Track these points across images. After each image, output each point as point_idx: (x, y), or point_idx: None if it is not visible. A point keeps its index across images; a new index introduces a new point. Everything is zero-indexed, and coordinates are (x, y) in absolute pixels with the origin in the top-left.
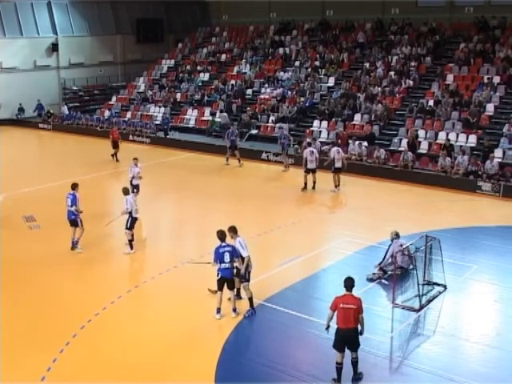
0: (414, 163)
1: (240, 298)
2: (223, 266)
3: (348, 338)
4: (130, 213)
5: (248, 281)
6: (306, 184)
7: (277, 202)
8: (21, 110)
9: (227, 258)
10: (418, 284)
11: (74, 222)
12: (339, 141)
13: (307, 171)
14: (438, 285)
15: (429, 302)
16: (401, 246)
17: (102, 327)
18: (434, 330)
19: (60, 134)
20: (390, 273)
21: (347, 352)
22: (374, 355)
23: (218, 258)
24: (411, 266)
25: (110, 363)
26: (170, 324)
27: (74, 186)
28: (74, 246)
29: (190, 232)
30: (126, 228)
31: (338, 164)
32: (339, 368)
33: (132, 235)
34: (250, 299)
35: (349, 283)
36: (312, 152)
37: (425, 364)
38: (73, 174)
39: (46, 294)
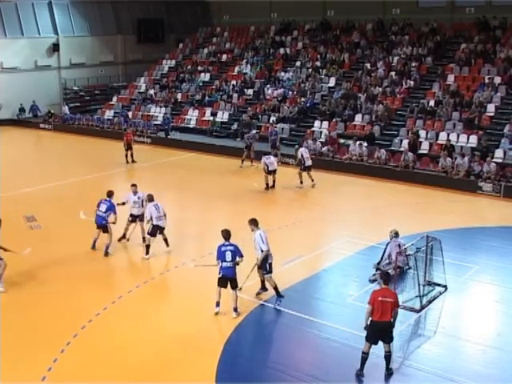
0: (415, 163)
1: (266, 289)
2: (225, 264)
3: (383, 330)
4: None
5: (270, 272)
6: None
7: (277, 202)
8: (22, 110)
9: (229, 256)
10: (419, 284)
11: (104, 227)
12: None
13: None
14: (439, 285)
15: (429, 302)
16: (399, 245)
17: (103, 327)
18: (435, 331)
19: (61, 134)
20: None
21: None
22: (374, 355)
23: (220, 256)
24: (407, 266)
25: (111, 363)
26: (170, 324)
27: (110, 194)
28: (103, 250)
29: (191, 232)
30: (148, 233)
31: (309, 162)
32: (364, 358)
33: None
34: (275, 288)
35: (386, 278)
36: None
37: (425, 364)
38: (74, 174)
39: (46, 293)
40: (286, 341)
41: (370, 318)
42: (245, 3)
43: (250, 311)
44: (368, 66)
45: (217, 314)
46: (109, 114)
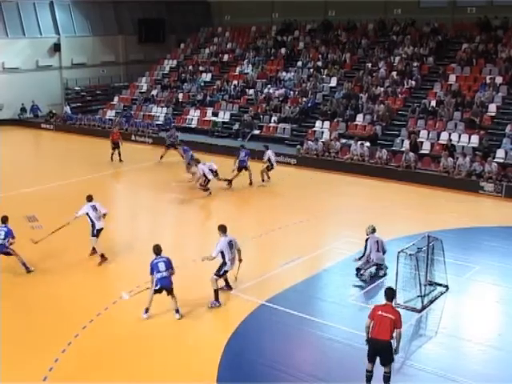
0: (417, 164)
1: (230, 288)
2: (160, 275)
3: (381, 350)
4: None
5: (219, 276)
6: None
7: (277, 203)
8: (23, 110)
9: (162, 266)
10: (420, 284)
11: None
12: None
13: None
14: (440, 285)
15: (431, 302)
16: (376, 242)
17: (104, 327)
18: (436, 331)
19: (62, 134)
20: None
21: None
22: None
23: (154, 269)
24: (384, 263)
25: (112, 363)
26: (171, 324)
27: (5, 220)
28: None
29: (191, 232)
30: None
31: (275, 164)
32: (369, 376)
33: None
34: (216, 291)
35: (389, 293)
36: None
37: (427, 364)
38: (75, 174)
39: (47, 294)
40: (287, 341)
41: (369, 336)
42: (246, 3)
43: (251, 312)
44: (369, 65)
45: (147, 318)
46: (110, 114)
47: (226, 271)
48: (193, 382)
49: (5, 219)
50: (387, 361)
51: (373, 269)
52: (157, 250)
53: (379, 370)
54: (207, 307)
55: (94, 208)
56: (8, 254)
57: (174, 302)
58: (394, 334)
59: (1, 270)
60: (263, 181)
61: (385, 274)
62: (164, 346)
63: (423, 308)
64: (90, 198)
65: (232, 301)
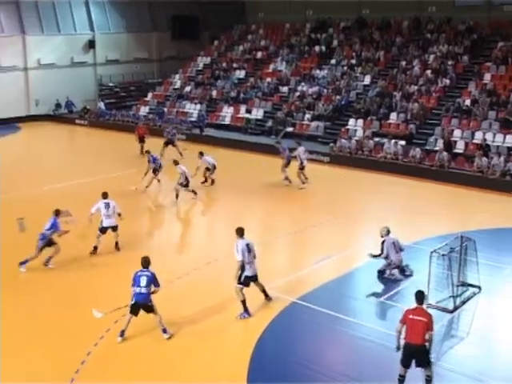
0: (450, 163)
1: (269, 298)
2: (138, 290)
3: (416, 354)
4: None
5: (243, 284)
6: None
7: (310, 201)
8: (58, 105)
9: (143, 282)
10: (453, 285)
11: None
12: None
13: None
14: (473, 286)
15: (463, 303)
16: (393, 243)
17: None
18: (468, 332)
19: (96, 130)
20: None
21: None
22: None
23: (135, 282)
24: (404, 263)
25: (145, 360)
26: (199, 322)
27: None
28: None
29: (223, 230)
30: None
31: (305, 162)
32: (401, 380)
33: None
34: (243, 302)
35: (420, 296)
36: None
37: (458, 366)
38: (108, 170)
39: (73, 289)
40: (318, 339)
41: (404, 341)
42: (280, 1)
43: (283, 309)
44: (403, 64)
45: (122, 341)
46: (144, 110)
47: (248, 277)
48: (223, 382)
49: (57, 212)
50: (424, 362)
51: (395, 271)
52: (144, 262)
53: (412, 373)
54: (236, 318)
55: (107, 205)
56: (51, 244)
57: (158, 320)
58: (427, 337)
59: (34, 268)
60: (303, 183)
61: (411, 274)
62: (193, 345)
63: (455, 308)
64: (104, 195)
65: (263, 298)
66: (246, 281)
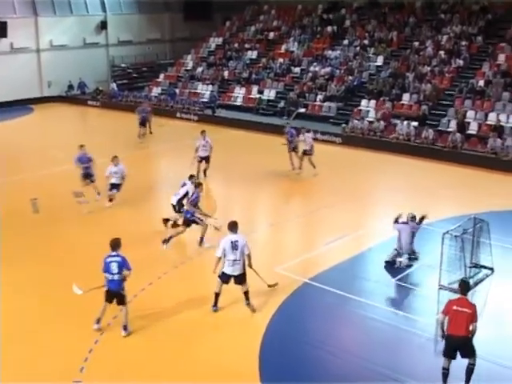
0: (463, 144)
1: (249, 303)
2: (110, 277)
3: (460, 346)
4: None
5: (219, 278)
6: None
7: (321, 182)
8: (70, 87)
9: (114, 268)
10: (465, 266)
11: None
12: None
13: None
14: (486, 268)
15: (476, 284)
16: (412, 233)
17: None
18: (481, 313)
19: (108, 111)
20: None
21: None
22: (418, 336)
23: (106, 269)
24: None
25: (153, 360)
26: (209, 306)
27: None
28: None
29: (237, 212)
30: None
31: (306, 147)
32: (445, 373)
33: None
34: (215, 294)
35: (464, 286)
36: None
37: None
38: (120, 152)
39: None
40: (330, 320)
41: (446, 333)
42: None
43: (294, 290)
44: (416, 44)
45: (98, 330)
46: (156, 90)
47: (224, 274)
48: (235, 361)
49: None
50: (469, 353)
51: (403, 259)
52: (113, 244)
53: (425, 350)
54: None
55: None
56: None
57: (124, 314)
58: (471, 328)
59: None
60: (314, 167)
61: (417, 258)
62: (205, 323)
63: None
64: (114, 160)
65: (275, 279)
66: (222, 277)
